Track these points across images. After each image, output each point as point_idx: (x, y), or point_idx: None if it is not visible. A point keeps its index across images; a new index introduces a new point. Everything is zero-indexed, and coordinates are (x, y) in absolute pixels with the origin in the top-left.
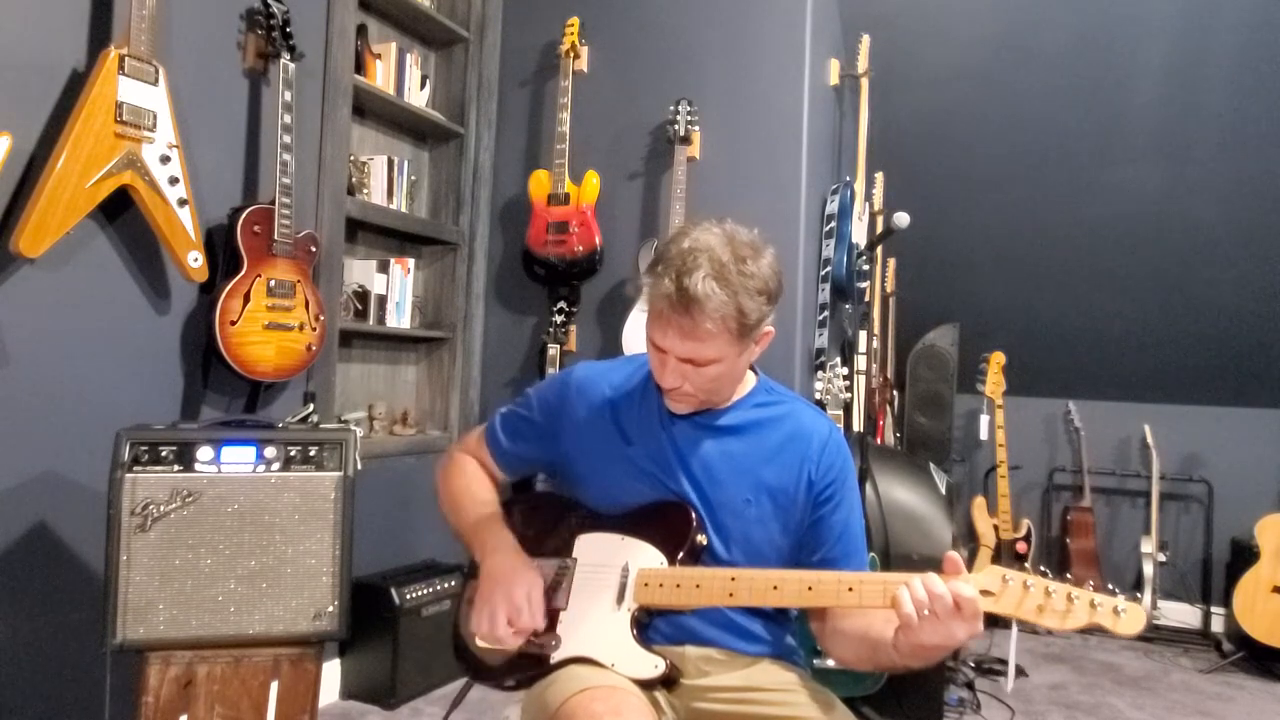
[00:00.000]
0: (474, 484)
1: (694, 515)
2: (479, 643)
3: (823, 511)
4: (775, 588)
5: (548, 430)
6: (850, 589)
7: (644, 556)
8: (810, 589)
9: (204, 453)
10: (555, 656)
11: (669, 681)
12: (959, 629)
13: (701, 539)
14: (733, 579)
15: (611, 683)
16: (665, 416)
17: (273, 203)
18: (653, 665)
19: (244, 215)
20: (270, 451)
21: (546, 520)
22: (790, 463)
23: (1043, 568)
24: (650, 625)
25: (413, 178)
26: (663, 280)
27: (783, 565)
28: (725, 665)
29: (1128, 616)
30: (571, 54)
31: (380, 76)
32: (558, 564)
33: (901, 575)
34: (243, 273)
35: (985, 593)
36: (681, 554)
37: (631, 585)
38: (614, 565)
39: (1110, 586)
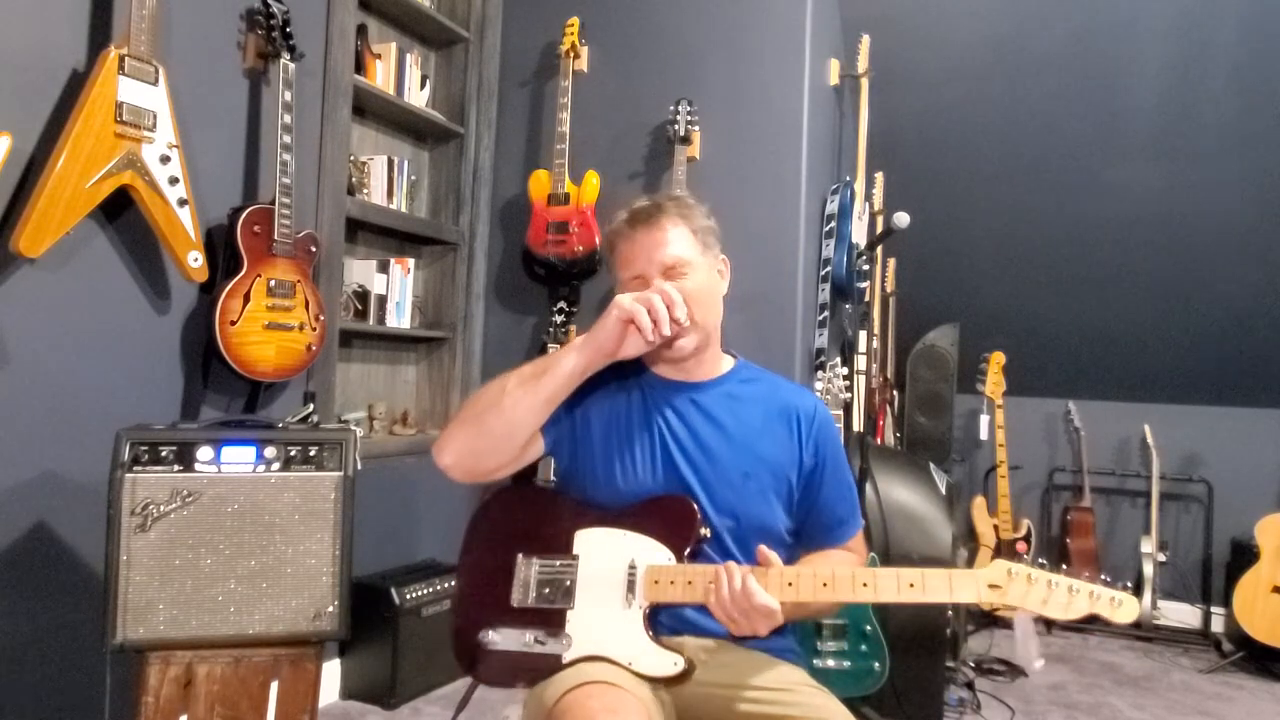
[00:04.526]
0: (498, 382)
1: (698, 510)
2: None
3: (816, 482)
4: (790, 584)
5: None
6: (865, 584)
7: (651, 553)
8: (825, 585)
9: (204, 453)
10: (567, 656)
11: (685, 678)
12: (760, 626)
13: (705, 532)
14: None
15: (609, 679)
16: (657, 402)
17: (273, 203)
18: (672, 663)
19: (244, 215)
20: (270, 451)
21: (543, 515)
22: (781, 436)
23: (1041, 560)
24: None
25: (413, 178)
26: (621, 218)
27: (785, 536)
28: (724, 654)
29: (1124, 606)
30: (571, 54)
31: (380, 76)
32: (560, 561)
33: (917, 571)
34: (243, 273)
35: (993, 586)
36: (689, 549)
37: (641, 583)
38: (620, 562)
39: (1104, 578)
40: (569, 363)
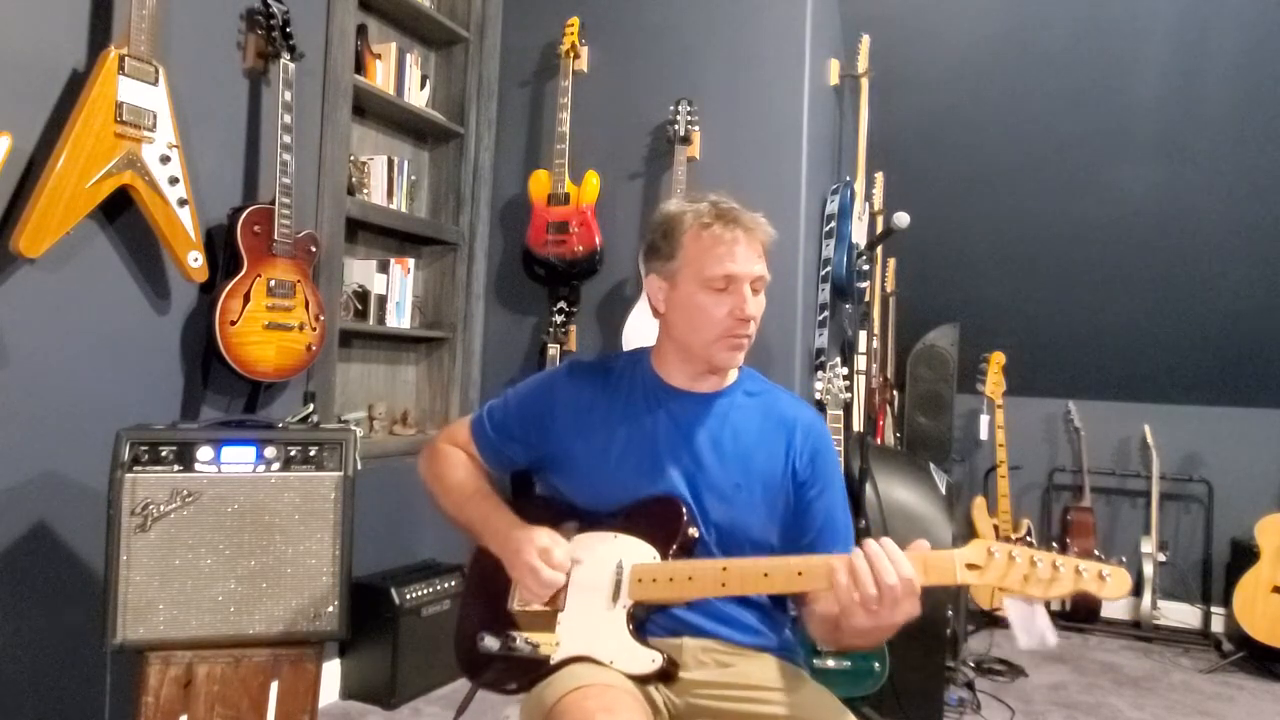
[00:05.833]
0: (468, 478)
1: (684, 509)
2: (517, 606)
3: (807, 497)
4: (766, 575)
5: (533, 430)
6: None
7: (637, 553)
8: (800, 574)
9: (204, 453)
10: (555, 657)
11: (667, 676)
12: (897, 612)
13: (693, 532)
14: (724, 569)
15: (606, 680)
16: (653, 409)
17: (273, 203)
18: (649, 660)
19: (244, 215)
20: (270, 451)
21: (543, 525)
22: (775, 449)
23: (1029, 538)
24: (648, 620)
25: (413, 178)
26: (715, 209)
27: (774, 551)
28: (724, 656)
29: (1113, 581)
30: (571, 54)
31: (380, 76)
32: None
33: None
34: (243, 273)
35: (972, 566)
36: (674, 548)
37: (626, 582)
38: (608, 563)
39: (1096, 553)
40: (482, 538)
